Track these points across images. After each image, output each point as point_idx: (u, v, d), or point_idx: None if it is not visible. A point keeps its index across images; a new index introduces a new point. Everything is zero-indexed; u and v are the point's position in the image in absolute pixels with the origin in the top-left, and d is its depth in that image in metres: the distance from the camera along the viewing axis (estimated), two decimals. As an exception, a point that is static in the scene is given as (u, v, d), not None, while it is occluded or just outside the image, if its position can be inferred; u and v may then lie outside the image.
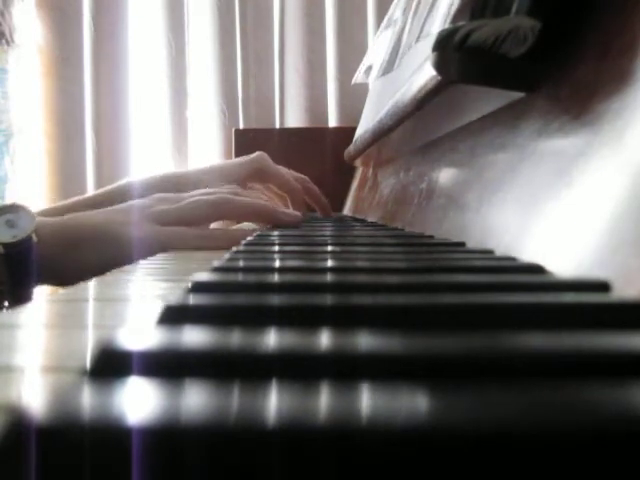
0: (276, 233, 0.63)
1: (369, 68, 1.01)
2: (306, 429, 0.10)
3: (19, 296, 0.66)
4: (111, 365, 0.14)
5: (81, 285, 0.36)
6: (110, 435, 0.10)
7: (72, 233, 0.69)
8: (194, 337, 0.16)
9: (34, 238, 0.66)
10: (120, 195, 0.81)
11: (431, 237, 0.53)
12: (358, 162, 1.18)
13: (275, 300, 0.21)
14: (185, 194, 0.76)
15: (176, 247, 0.67)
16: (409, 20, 0.72)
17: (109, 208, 0.72)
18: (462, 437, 0.10)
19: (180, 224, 0.70)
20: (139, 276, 0.42)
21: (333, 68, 1.63)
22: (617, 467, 0.10)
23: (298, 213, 0.80)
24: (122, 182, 0.90)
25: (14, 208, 0.67)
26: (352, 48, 1.61)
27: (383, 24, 0.99)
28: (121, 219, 0.69)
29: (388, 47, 0.83)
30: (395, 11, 0.89)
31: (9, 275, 0.65)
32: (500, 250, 0.37)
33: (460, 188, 0.52)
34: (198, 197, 0.74)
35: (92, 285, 0.36)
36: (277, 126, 1.64)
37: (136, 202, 0.74)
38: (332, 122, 1.64)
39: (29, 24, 1.56)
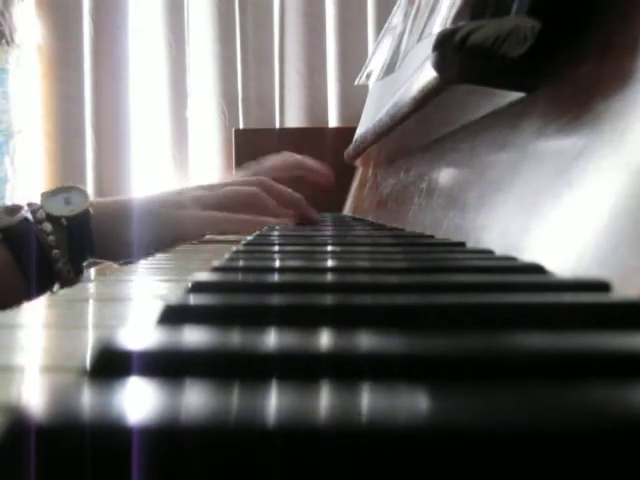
0: (276, 233, 0.63)
1: (370, 74, 1.01)
2: (306, 429, 0.10)
3: (77, 267, 0.70)
4: (111, 365, 0.14)
5: (81, 285, 0.36)
6: (110, 435, 0.10)
7: (123, 211, 0.74)
8: (194, 337, 0.16)
9: (91, 211, 0.71)
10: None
11: (431, 237, 0.53)
12: (358, 162, 1.18)
13: (275, 300, 0.21)
14: (225, 182, 0.81)
15: (214, 229, 0.70)
16: (409, 24, 0.73)
17: (154, 193, 0.78)
18: (462, 437, 0.10)
19: (220, 209, 0.74)
20: (139, 275, 0.42)
21: (333, 68, 1.63)
22: (617, 467, 0.10)
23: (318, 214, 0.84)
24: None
25: (68, 188, 0.72)
26: (352, 48, 1.61)
27: (384, 30, 0.99)
28: (166, 202, 0.74)
29: (389, 51, 0.83)
30: (395, 16, 0.89)
31: (69, 247, 0.69)
32: (500, 250, 0.37)
33: (460, 188, 0.52)
34: (239, 180, 0.80)
35: (92, 285, 0.36)
36: (277, 126, 1.64)
37: (177, 188, 0.79)
38: (332, 122, 1.64)
39: (29, 24, 1.56)
